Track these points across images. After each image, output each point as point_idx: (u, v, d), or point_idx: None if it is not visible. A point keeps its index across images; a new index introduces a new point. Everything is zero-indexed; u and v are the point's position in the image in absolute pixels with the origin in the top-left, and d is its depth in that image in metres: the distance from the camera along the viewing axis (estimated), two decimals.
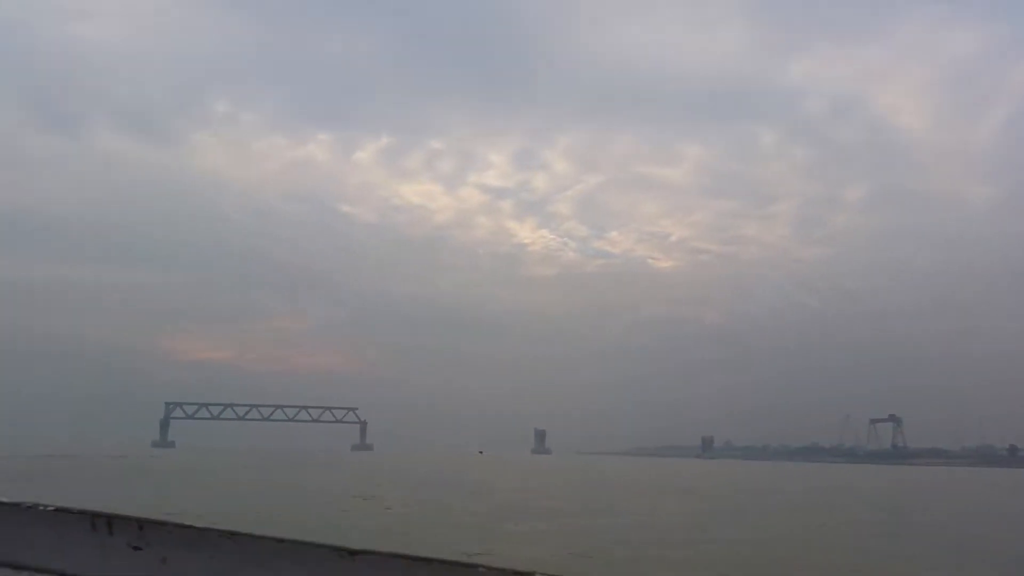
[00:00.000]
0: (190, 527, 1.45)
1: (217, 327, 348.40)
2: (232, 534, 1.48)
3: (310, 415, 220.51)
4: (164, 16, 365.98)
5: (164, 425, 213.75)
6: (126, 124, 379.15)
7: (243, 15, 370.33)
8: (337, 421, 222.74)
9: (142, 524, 1.44)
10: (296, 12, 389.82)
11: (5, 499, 1.33)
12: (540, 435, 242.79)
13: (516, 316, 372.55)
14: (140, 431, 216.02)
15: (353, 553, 1.42)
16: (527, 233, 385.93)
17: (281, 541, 1.46)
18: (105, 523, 1.44)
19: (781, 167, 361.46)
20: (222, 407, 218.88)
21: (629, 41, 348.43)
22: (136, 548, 1.47)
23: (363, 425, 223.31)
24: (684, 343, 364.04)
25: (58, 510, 1.43)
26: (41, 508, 1.42)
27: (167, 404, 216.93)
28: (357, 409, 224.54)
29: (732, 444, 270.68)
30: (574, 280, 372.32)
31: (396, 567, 1.45)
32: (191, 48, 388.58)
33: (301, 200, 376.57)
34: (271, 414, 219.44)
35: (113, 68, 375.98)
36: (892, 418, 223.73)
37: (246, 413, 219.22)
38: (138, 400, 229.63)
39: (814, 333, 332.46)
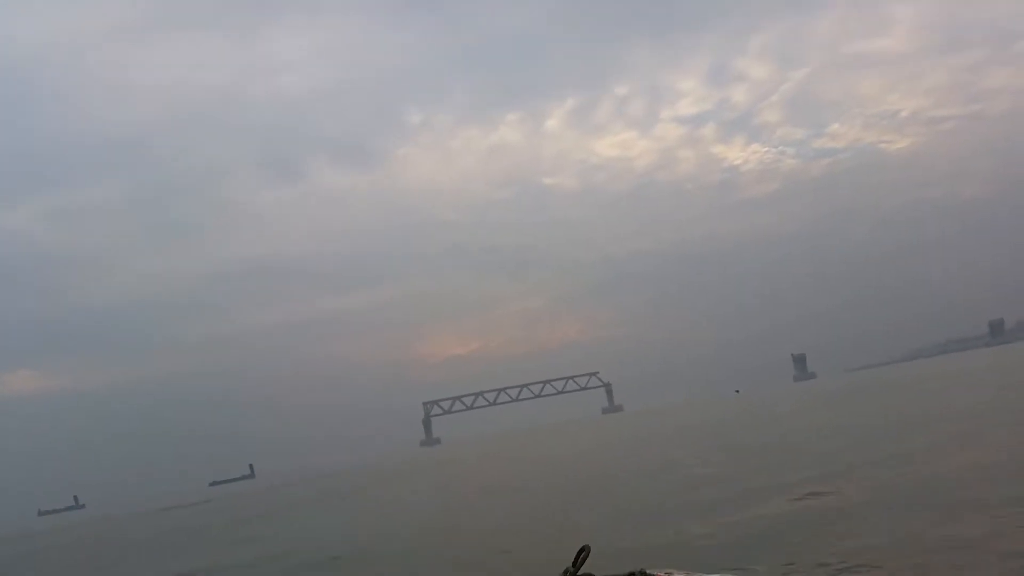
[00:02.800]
0: None
1: (462, 323, 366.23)
2: None
3: (555, 388, 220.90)
4: (352, 49, 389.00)
5: (427, 424, 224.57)
6: (339, 158, 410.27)
7: (415, 26, 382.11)
8: (582, 388, 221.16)
9: None
10: (462, 4, 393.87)
11: None
12: (799, 360, 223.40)
13: (746, 242, 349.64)
14: (407, 434, 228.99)
15: None
16: (736, 153, 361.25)
17: None
18: None
19: None
20: (473, 396, 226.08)
21: None
22: None
23: (608, 387, 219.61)
24: (941, 228, 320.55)
25: None
26: None
27: (424, 404, 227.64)
28: (599, 372, 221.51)
29: None
30: (799, 190, 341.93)
31: None
32: (377, 70, 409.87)
33: (505, 185, 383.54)
34: (519, 394, 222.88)
35: (320, 109, 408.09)
36: None
37: (496, 398, 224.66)
38: (402, 406, 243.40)
39: None
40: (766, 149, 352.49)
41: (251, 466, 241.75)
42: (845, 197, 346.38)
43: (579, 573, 1.18)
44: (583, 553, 1.22)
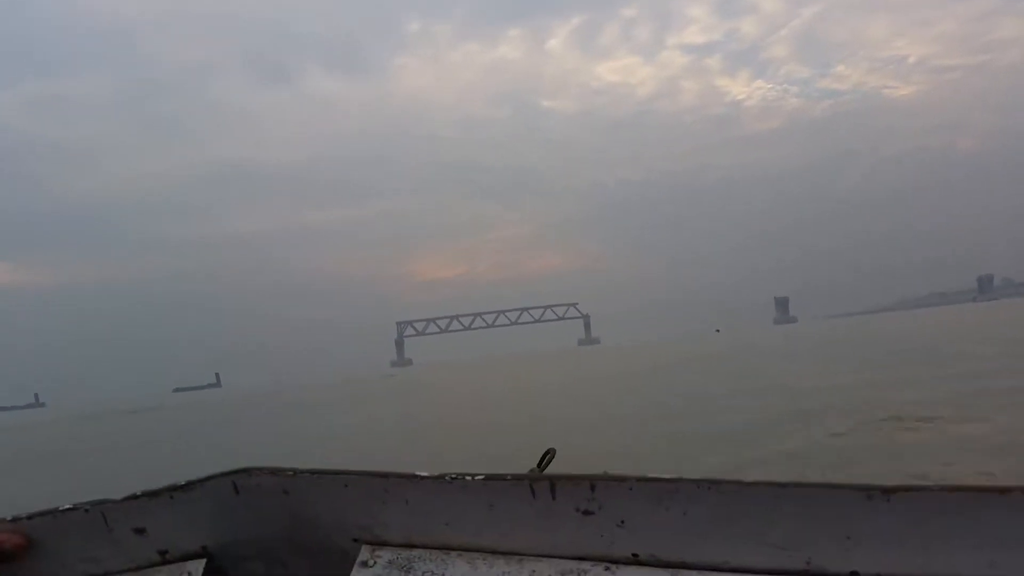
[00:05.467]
0: (654, 480, 1.19)
1: (448, 244, 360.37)
2: (713, 483, 1.18)
3: (531, 316, 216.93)
4: None
5: (399, 345, 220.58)
6: (332, 63, 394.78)
7: None
8: (559, 319, 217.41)
9: (593, 483, 1.20)
10: None
11: (425, 472, 1.21)
12: (782, 303, 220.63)
13: (740, 179, 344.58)
14: (380, 353, 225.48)
15: (888, 491, 1.09)
16: (740, 88, 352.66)
17: (782, 486, 1.14)
18: (547, 487, 1.21)
19: None
20: (448, 319, 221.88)
21: None
22: (587, 512, 1.23)
23: (586, 319, 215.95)
24: (937, 177, 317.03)
25: (488, 478, 1.23)
26: (469, 478, 1.22)
27: (398, 324, 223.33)
28: (577, 303, 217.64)
29: (1012, 280, 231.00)
30: (800, 129, 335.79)
31: (956, 502, 1.08)
32: None
33: (502, 103, 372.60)
34: (495, 320, 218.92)
35: (312, 9, 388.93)
36: None
37: (471, 323, 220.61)
38: (379, 325, 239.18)
39: None
40: (770, 86, 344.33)
41: (217, 375, 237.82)
42: (844, 140, 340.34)
43: (544, 473, 1.28)
44: (548, 455, 1.33)
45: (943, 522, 1.09)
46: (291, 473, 1.25)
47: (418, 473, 1.21)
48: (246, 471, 1.25)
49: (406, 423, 21.71)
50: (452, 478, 1.22)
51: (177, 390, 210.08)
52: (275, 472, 1.26)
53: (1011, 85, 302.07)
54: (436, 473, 1.20)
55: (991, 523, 1.08)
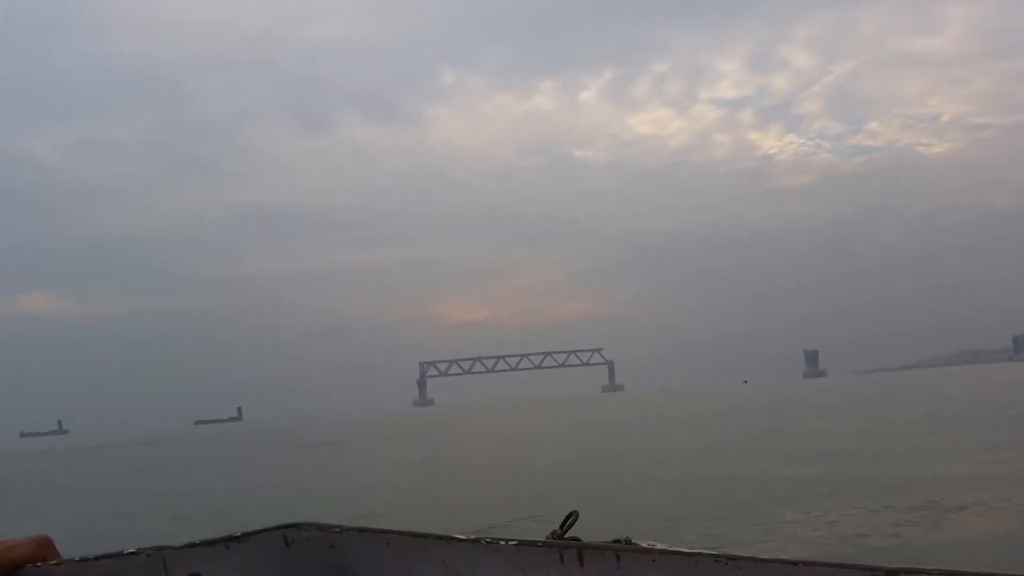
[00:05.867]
0: (675, 552, 1.20)
1: (475, 288, 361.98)
2: (730, 558, 1.16)
3: (555, 360, 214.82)
4: (387, 2, 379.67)
5: (421, 385, 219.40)
6: (368, 112, 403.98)
7: None
8: (583, 364, 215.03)
9: (619, 553, 1.21)
10: None
11: (462, 535, 1.26)
12: (811, 357, 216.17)
13: (771, 232, 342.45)
14: (404, 393, 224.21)
15: (891, 573, 1.04)
16: (772, 142, 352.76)
17: (794, 563, 1.12)
18: (575, 555, 1.23)
19: None
20: (471, 361, 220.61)
21: None
22: None
23: (610, 365, 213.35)
24: (971, 236, 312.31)
25: (520, 543, 1.26)
26: (503, 543, 1.25)
27: (421, 364, 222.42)
28: (602, 349, 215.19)
29: None
30: (832, 184, 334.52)
31: None
32: (412, 26, 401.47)
33: (534, 153, 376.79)
34: (518, 363, 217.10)
35: (350, 61, 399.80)
36: None
37: (494, 365, 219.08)
38: (405, 365, 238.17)
39: None
40: (802, 140, 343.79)
41: (239, 409, 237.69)
42: (877, 197, 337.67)
43: (566, 536, 1.30)
44: (571, 518, 1.35)
45: None
46: (338, 530, 1.33)
47: (455, 535, 1.28)
48: (296, 526, 1.34)
49: (424, 463, 20.98)
50: (487, 542, 1.28)
51: (199, 423, 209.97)
52: (323, 528, 1.34)
53: None
54: (472, 536, 1.28)
55: None
